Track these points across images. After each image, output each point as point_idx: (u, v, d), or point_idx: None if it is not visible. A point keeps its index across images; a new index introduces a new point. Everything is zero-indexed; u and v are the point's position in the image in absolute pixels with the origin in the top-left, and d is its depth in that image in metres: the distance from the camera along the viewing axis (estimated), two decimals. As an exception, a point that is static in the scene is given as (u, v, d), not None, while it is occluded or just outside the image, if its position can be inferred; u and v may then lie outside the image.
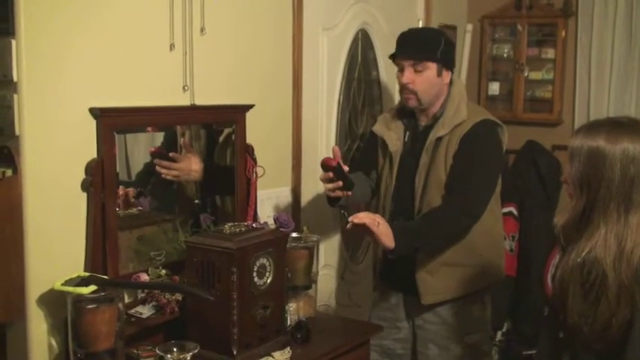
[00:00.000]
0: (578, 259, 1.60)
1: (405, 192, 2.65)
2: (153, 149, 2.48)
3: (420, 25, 3.87)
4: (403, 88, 2.60)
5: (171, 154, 2.51)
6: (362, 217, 2.36)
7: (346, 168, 2.56)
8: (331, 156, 2.52)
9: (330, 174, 2.49)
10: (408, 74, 2.56)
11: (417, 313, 2.71)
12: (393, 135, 2.70)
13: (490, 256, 2.68)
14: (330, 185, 2.51)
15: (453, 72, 2.66)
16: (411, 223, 2.54)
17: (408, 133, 2.70)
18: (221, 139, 2.73)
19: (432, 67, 2.56)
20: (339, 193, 2.54)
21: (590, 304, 1.59)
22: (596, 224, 1.62)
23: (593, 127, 1.68)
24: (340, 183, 2.51)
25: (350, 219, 2.35)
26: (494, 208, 2.65)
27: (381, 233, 2.36)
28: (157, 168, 2.47)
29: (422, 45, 2.59)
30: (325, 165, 2.47)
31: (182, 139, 2.56)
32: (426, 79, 2.56)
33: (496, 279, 2.77)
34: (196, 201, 2.68)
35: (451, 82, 2.65)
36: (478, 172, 2.54)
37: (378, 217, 2.39)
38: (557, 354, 1.70)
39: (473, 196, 2.53)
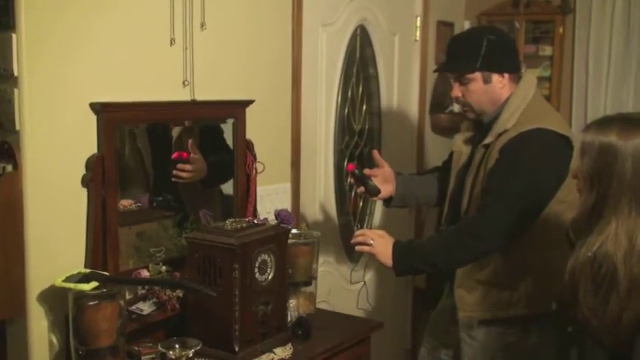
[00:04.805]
0: (589, 254, 1.60)
1: (456, 199, 2.50)
2: (175, 155, 2.48)
3: (418, 23, 3.87)
4: (456, 102, 2.51)
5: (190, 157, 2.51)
6: (356, 235, 2.38)
7: (375, 172, 2.61)
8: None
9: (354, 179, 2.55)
10: (456, 88, 2.44)
11: (461, 324, 2.55)
12: (459, 137, 2.58)
13: (542, 283, 2.36)
14: (357, 190, 2.56)
15: (510, 72, 2.41)
16: (419, 242, 2.45)
17: (478, 136, 2.50)
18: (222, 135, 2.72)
19: (475, 78, 2.39)
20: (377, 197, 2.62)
21: (601, 299, 1.59)
22: (607, 219, 1.61)
23: (605, 123, 1.67)
24: (362, 188, 2.54)
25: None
26: (552, 231, 2.30)
27: (376, 252, 2.33)
28: (175, 172, 2.47)
29: (460, 56, 2.43)
30: (347, 171, 2.53)
31: (190, 141, 2.53)
32: (473, 90, 2.40)
33: (545, 309, 2.35)
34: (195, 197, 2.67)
35: (519, 83, 2.43)
36: (502, 190, 2.27)
37: (374, 234, 2.37)
38: (564, 349, 1.70)
39: (486, 218, 2.28)
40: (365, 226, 3.71)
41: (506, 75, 2.41)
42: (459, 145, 2.58)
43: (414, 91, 3.95)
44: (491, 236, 2.28)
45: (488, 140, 2.37)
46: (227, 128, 2.69)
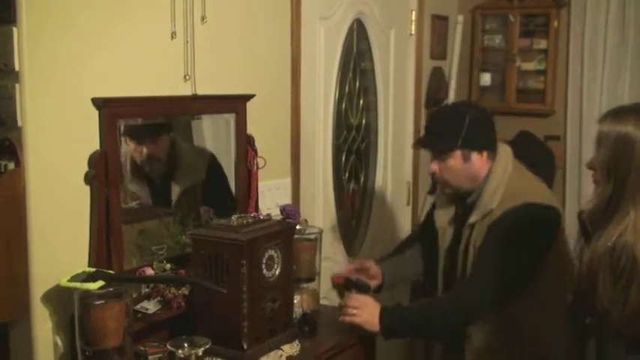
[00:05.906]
0: (608, 244, 1.59)
1: (450, 278, 2.49)
2: None
3: (413, 17, 3.85)
4: (433, 177, 2.48)
5: None
6: (343, 310, 2.40)
7: (360, 273, 2.62)
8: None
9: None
10: (433, 164, 2.41)
11: None
12: (440, 212, 2.55)
13: (536, 347, 2.33)
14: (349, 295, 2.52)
15: (489, 150, 2.39)
16: (406, 309, 2.44)
17: (459, 208, 2.49)
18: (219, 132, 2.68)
19: (455, 155, 2.35)
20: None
21: (621, 290, 1.58)
22: (625, 210, 1.61)
23: (621, 113, 1.67)
24: (354, 291, 2.52)
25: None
26: (549, 296, 2.32)
27: (362, 322, 2.35)
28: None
29: (440, 134, 2.40)
30: (334, 283, 2.60)
31: None
32: (451, 167, 2.37)
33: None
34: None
35: (495, 159, 2.40)
36: (487, 267, 2.29)
37: (357, 302, 2.38)
38: (582, 341, 1.68)
39: (470, 294, 2.31)
40: (364, 222, 3.70)
41: (482, 154, 2.38)
42: (442, 222, 2.54)
43: (410, 85, 3.94)
44: (473, 311, 2.32)
45: (473, 219, 2.37)
46: (225, 127, 2.65)
